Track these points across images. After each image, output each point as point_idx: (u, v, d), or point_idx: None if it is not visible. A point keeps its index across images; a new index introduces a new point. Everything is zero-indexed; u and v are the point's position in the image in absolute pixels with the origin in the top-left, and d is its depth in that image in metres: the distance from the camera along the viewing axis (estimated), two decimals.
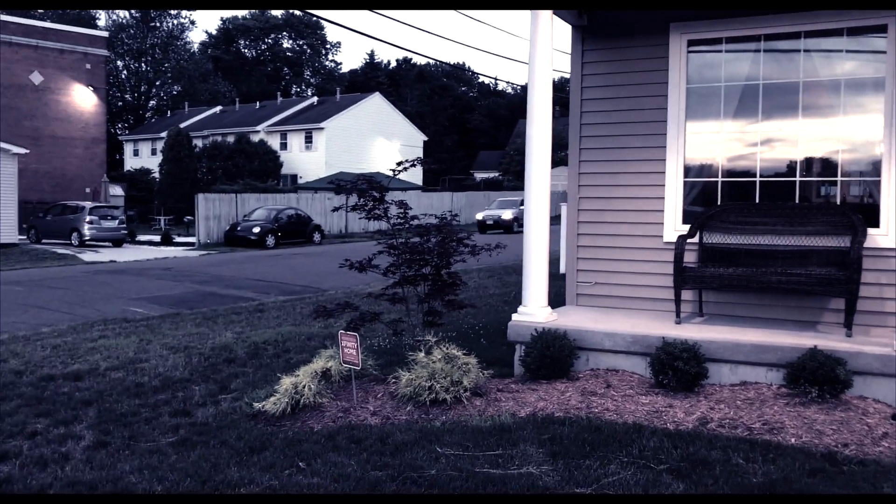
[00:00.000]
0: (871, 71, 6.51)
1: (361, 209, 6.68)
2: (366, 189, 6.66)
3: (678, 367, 5.54)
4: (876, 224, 6.45)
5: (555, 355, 5.96)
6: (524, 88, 6.62)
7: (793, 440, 4.69)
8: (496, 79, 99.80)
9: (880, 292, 6.33)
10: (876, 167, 6.50)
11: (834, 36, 6.63)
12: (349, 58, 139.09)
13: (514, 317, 6.61)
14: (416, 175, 52.08)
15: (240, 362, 7.70)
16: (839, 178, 6.70)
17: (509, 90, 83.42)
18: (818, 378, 5.22)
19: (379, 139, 54.69)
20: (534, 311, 6.53)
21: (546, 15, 6.49)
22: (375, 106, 56.13)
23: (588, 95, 7.49)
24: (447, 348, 5.90)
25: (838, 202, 6.70)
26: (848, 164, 6.67)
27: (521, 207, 35.62)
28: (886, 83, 6.39)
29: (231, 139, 50.02)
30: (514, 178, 52.54)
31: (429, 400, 5.54)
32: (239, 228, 28.44)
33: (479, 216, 36.11)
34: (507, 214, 35.07)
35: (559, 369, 6.01)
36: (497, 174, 61.23)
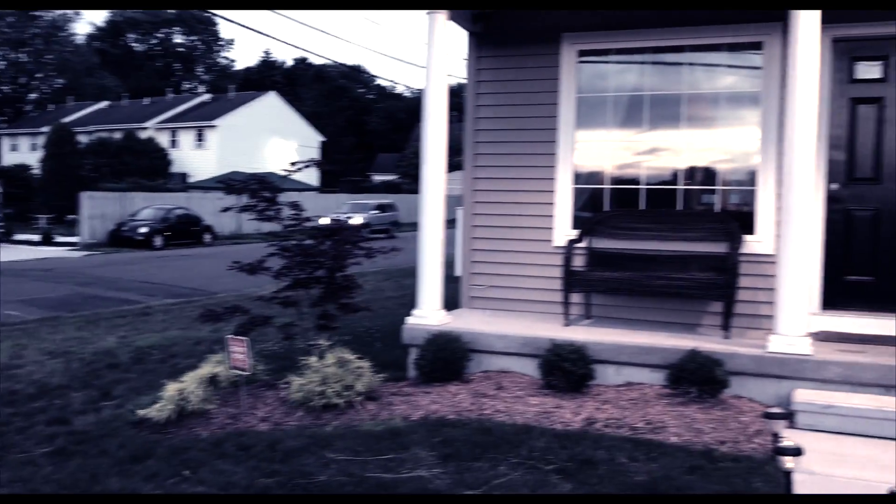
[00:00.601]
0: (748, 85, 6.85)
1: (252, 210, 6.54)
2: (257, 189, 6.52)
3: (566, 369, 5.67)
4: (752, 231, 6.78)
5: (448, 358, 5.99)
6: (422, 92, 6.65)
7: (674, 438, 4.88)
8: (394, 82, 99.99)
9: (755, 296, 6.66)
10: (752, 177, 6.84)
11: (715, 51, 6.94)
12: (244, 55, 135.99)
13: (409, 320, 6.62)
14: (312, 176, 51.47)
15: (123, 368, 7.40)
16: (718, 187, 7.02)
17: (408, 94, 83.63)
18: (697, 378, 5.44)
19: (274, 139, 53.76)
20: (428, 314, 6.55)
21: (442, 20, 6.53)
22: (271, 105, 55.15)
23: (483, 102, 7.59)
24: (341, 352, 5.84)
25: (718, 210, 7.01)
26: (727, 173, 6.99)
27: (374, 212, 34.42)
28: (762, 97, 6.74)
29: (118, 136, 48.08)
30: (412, 181, 52.64)
31: (320, 405, 5.47)
32: (125, 228, 27.36)
33: (326, 220, 33.56)
34: (357, 219, 30.79)
35: (452, 372, 6.04)
36: (395, 177, 61.25)
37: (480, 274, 7.61)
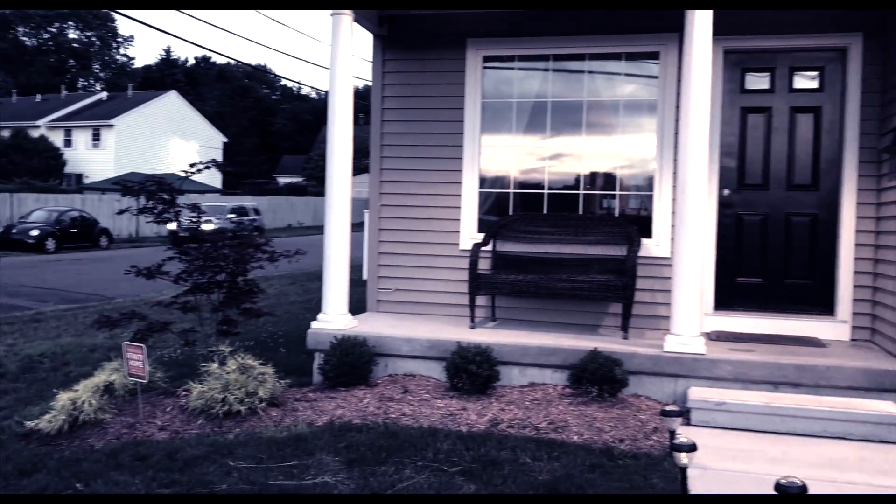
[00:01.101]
0: (647, 94, 7.08)
1: (150, 212, 6.34)
2: (155, 191, 6.32)
3: (471, 371, 5.72)
4: (650, 235, 7.01)
5: (354, 362, 5.95)
6: (328, 94, 6.58)
7: (576, 438, 4.98)
8: (300, 83, 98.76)
9: (653, 297, 6.89)
10: (650, 183, 7.06)
11: (615, 60, 7.15)
12: (143, 53, 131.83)
13: (314, 324, 6.54)
14: (215, 178, 50.23)
15: (11, 377, 7.03)
16: (618, 192, 7.22)
17: (313, 95, 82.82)
18: (598, 378, 5.58)
19: (175, 139, 52.23)
20: (334, 318, 6.49)
21: (347, 22, 6.49)
22: (172, 104, 53.54)
23: (389, 105, 7.58)
24: (243, 358, 5.72)
25: (617, 214, 7.21)
26: (627, 179, 7.20)
27: (231, 216, 31.49)
28: (659, 106, 6.97)
29: (6, 134, 45.74)
30: (318, 183, 52.10)
31: (222, 412, 5.34)
32: (14, 231, 26.00)
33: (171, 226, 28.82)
34: (208, 226, 28.54)
35: (358, 376, 6.01)
36: (301, 179, 60.48)
37: (387, 277, 7.60)
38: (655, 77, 7.02)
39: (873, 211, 6.53)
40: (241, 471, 4.39)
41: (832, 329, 6.64)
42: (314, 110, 78.14)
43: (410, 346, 6.30)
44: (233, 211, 33.28)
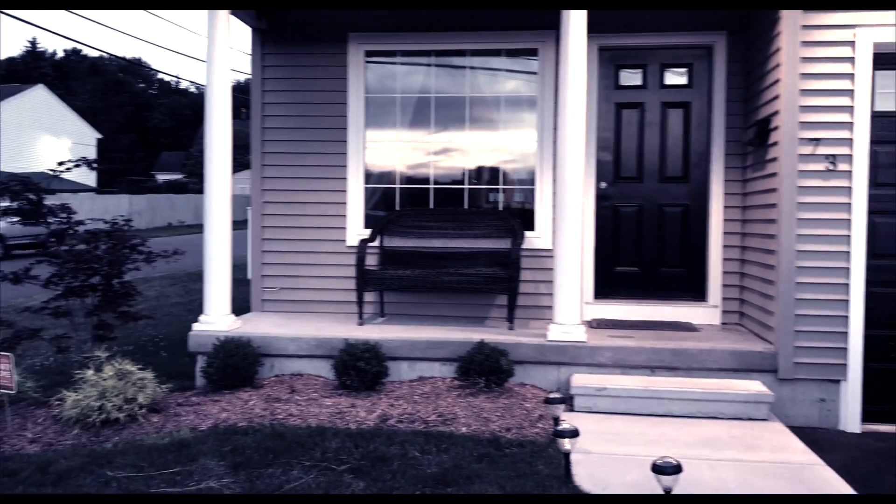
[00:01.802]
0: (527, 90, 7.23)
1: (14, 213, 5.99)
2: (20, 190, 5.98)
3: (360, 368, 5.70)
4: (532, 228, 7.17)
5: (238, 364, 5.82)
6: (206, 89, 6.37)
7: (464, 429, 5.04)
8: (178, 77, 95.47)
9: (537, 288, 7.05)
10: (532, 177, 7.22)
11: (496, 56, 7.25)
12: (6, 44, 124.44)
13: (196, 326, 6.35)
14: (90, 177, 47.90)
15: None
16: (502, 186, 7.34)
17: (193, 89, 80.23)
18: (485, 369, 5.67)
19: (45, 136, 49.48)
20: (216, 319, 6.33)
21: (224, 16, 6.32)
22: (39, 99, 50.59)
23: (269, 99, 7.43)
24: (121, 364, 5.49)
25: (502, 208, 7.34)
26: (510, 173, 7.33)
27: (13, 220, 28.53)
28: (538, 101, 7.13)
29: None
30: (198, 180, 50.48)
31: (99, 421, 5.11)
32: None
33: None
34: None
35: (243, 378, 5.88)
36: (181, 176, 58.51)
37: (272, 276, 7.46)
38: (535, 73, 7.18)
39: (740, 201, 6.90)
40: (121, 480, 4.22)
41: (705, 314, 6.98)
42: (194, 105, 75.70)
43: (297, 345, 6.21)
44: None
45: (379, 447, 4.62)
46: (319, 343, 6.18)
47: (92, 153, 49.95)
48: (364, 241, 6.72)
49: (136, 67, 77.28)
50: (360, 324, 6.65)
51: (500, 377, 5.71)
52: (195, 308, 11.18)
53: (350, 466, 4.32)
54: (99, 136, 55.05)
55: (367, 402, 5.54)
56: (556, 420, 4.75)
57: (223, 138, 6.33)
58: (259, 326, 6.55)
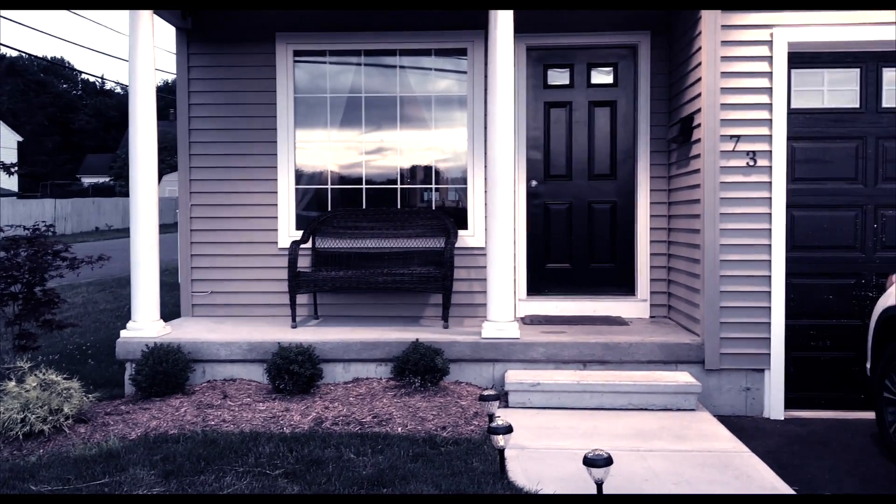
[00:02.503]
0: (458, 89, 7.27)
1: None
2: None
3: (294, 371, 5.64)
4: (466, 226, 7.21)
5: (168, 370, 5.70)
6: (129, 90, 6.20)
7: (400, 429, 5.04)
8: (102, 77, 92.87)
9: (471, 286, 7.10)
10: (465, 176, 7.26)
11: (425, 55, 7.27)
12: None
13: (124, 333, 6.20)
14: (10, 180, 46.25)
15: None
16: (434, 186, 7.36)
17: (118, 90, 78.19)
18: (420, 369, 5.68)
19: None
20: (144, 325, 6.19)
21: (146, 15, 6.17)
22: None
23: (196, 100, 7.30)
24: (45, 374, 5.31)
25: (435, 207, 7.36)
26: (443, 172, 7.36)
27: None
28: (469, 101, 7.17)
29: None
30: (126, 182, 49.13)
31: (22, 434, 4.95)
32: None
33: None
34: None
35: (174, 385, 5.76)
36: (108, 179, 56.97)
37: (203, 280, 7.33)
38: (465, 73, 7.22)
39: (666, 197, 7.06)
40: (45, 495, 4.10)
41: (634, 308, 7.12)
42: (120, 106, 73.72)
43: (229, 349, 6.12)
44: None
45: (314, 450, 4.58)
46: (252, 347, 6.10)
47: (12, 157, 48.26)
48: (296, 243, 6.65)
49: (58, 68, 74.96)
50: (294, 326, 6.59)
51: (436, 376, 5.73)
52: (124, 314, 10.92)
53: (284, 471, 4.28)
54: (19, 138, 53.24)
55: (301, 406, 5.50)
56: (491, 417, 4.79)
57: (148, 140, 6.20)
58: (190, 331, 6.43)
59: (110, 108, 75.05)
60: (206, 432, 4.98)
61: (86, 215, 39.02)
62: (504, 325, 6.04)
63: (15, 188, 46.78)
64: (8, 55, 74.21)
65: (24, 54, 74.92)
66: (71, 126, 72.88)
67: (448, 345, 6.00)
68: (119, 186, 50.56)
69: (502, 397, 5.75)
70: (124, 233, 34.52)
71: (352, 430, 5.05)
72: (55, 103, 72.83)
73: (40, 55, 71.34)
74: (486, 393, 4.96)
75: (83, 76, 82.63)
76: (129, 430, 5.13)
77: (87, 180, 61.07)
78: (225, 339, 6.16)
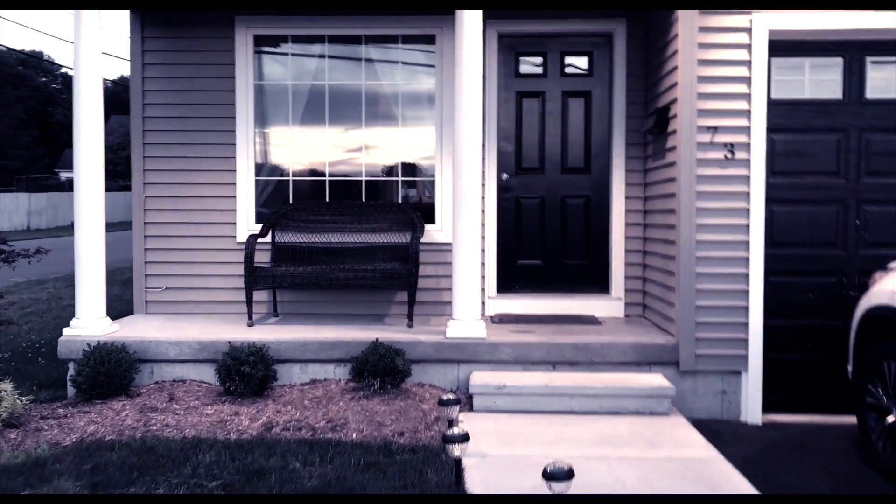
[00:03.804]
0: (426, 78, 6.95)
1: None
2: None
3: (245, 372, 5.31)
4: (433, 221, 6.90)
5: (111, 371, 5.35)
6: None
7: (354, 435, 4.73)
8: None
9: (438, 283, 6.79)
10: (433, 169, 6.94)
11: (393, 43, 6.95)
12: None
13: (66, 331, 5.85)
14: None
15: None
16: (400, 178, 7.04)
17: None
18: (380, 370, 5.36)
19: None
20: (88, 323, 5.83)
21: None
22: None
23: (151, 87, 6.94)
24: None
25: (401, 201, 7.04)
26: (410, 165, 7.04)
27: None
28: (437, 90, 6.86)
29: None
30: (105, 176, 48.57)
31: None
32: None
33: None
34: None
35: (117, 386, 5.41)
36: None
37: (157, 275, 6.98)
38: (433, 66, 6.90)
39: (641, 191, 6.78)
40: None
41: (608, 306, 6.84)
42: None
43: (179, 349, 5.78)
44: None
45: (258, 459, 4.26)
46: (203, 346, 5.76)
47: None
48: (253, 237, 6.31)
49: (37, 61, 73.85)
50: (251, 324, 6.25)
51: (396, 378, 5.42)
52: None
53: (222, 482, 3.95)
54: None
55: (252, 409, 5.17)
56: (451, 423, 4.49)
57: (91, 129, 5.84)
58: (139, 330, 6.08)
59: None
60: (145, 439, 4.65)
61: (62, 209, 38.37)
62: (470, 324, 5.73)
63: None
64: None
65: (1, 47, 73.85)
66: (49, 120, 71.78)
67: (411, 345, 5.69)
68: None
69: (467, 400, 5.45)
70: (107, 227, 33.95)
71: (303, 436, 4.72)
72: (34, 97, 71.71)
73: (18, 48, 70.30)
74: (445, 397, 4.65)
75: (63, 70, 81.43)
76: (64, 435, 4.78)
77: (66, 175, 60.16)
78: (174, 338, 5.81)
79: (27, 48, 75.55)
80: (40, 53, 76.85)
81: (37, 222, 35.37)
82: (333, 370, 5.78)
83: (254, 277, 6.16)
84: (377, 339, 5.59)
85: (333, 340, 5.76)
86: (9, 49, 69.86)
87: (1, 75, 69.68)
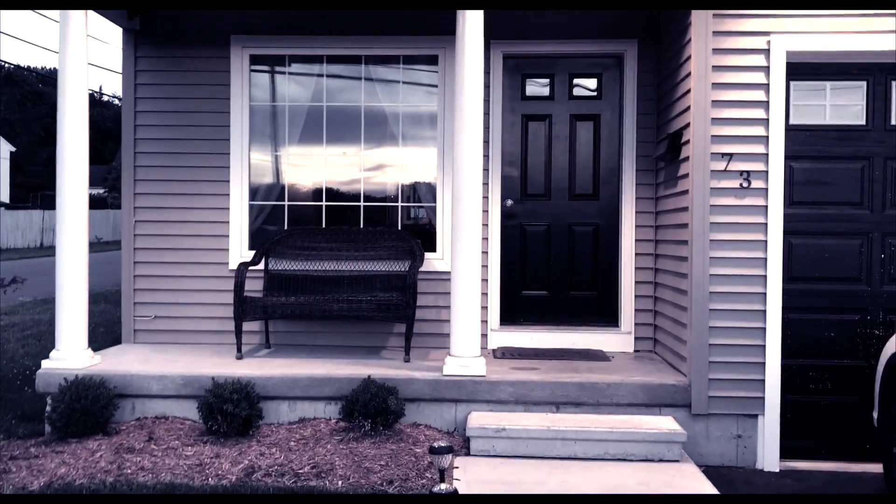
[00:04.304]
0: (428, 100, 6.68)
1: None
2: None
3: (227, 412, 5.01)
4: (434, 248, 6.60)
5: (88, 408, 5.07)
6: (58, 94, 5.62)
7: (340, 482, 4.41)
8: (100, 89, 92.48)
9: (439, 315, 6.48)
10: (434, 193, 6.66)
11: (393, 63, 6.68)
12: None
13: (45, 363, 5.57)
14: (3, 192, 45.72)
15: None
16: (401, 204, 6.76)
17: (116, 102, 77.74)
18: (370, 410, 5.04)
19: None
20: (68, 355, 5.56)
21: (78, 17, 5.57)
22: None
23: (143, 107, 6.71)
24: None
25: (401, 227, 6.75)
26: (410, 189, 6.76)
27: None
28: (439, 112, 6.58)
29: None
30: (119, 195, 48.69)
31: None
32: None
33: None
34: None
35: (94, 424, 5.12)
36: (102, 190, 56.39)
37: (146, 303, 6.71)
38: (436, 86, 6.63)
39: (652, 220, 6.46)
40: None
41: (617, 341, 6.50)
42: (116, 117, 73.08)
43: (162, 384, 5.49)
44: None
45: None
46: (187, 381, 5.47)
47: (5, 167, 47.83)
48: (244, 265, 6.04)
49: (55, 80, 74.56)
50: (239, 357, 5.96)
51: (389, 419, 5.10)
52: (92, 334, 10.31)
53: None
54: (12, 148, 52.79)
55: (234, 452, 4.86)
56: (442, 473, 4.15)
57: (75, 148, 5.59)
58: (121, 362, 5.80)
59: (107, 119, 74.45)
60: (116, 484, 4.34)
61: None
62: (469, 360, 5.41)
63: (5, 198, 46.26)
64: (6, 66, 73.91)
65: (22, 64, 74.62)
66: None
67: (405, 382, 5.37)
68: (111, 199, 50.02)
69: (464, 443, 5.12)
70: (113, 245, 33.85)
71: (284, 483, 4.41)
72: (51, 114, 72.34)
73: (38, 66, 70.98)
74: (437, 444, 4.30)
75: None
76: (32, 478, 4.49)
77: None
78: (158, 372, 5.52)
79: (47, 66, 76.20)
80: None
81: (49, 239, 35.36)
82: (324, 408, 5.47)
83: (243, 308, 5.88)
84: (369, 377, 5.28)
85: (324, 377, 5.45)
86: (28, 67, 70.66)
87: (21, 93, 70.40)
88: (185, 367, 5.67)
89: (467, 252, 5.39)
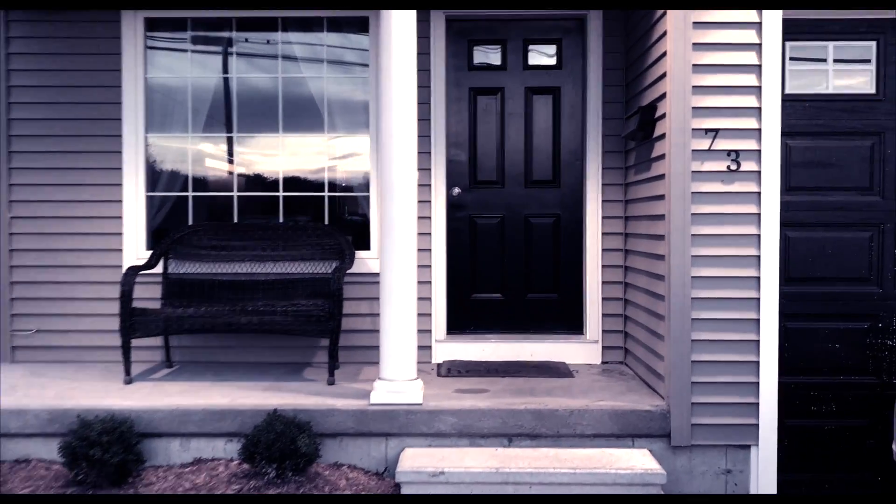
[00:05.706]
0: (360, 73, 5.68)
1: None
2: None
3: (95, 458, 3.98)
4: (368, 246, 5.62)
5: None
6: None
7: None
8: None
9: (374, 323, 5.48)
10: (367, 182, 5.67)
11: (316, 29, 5.67)
12: None
13: None
14: None
15: None
16: (328, 194, 5.75)
17: None
18: (275, 453, 4.04)
19: None
20: None
21: None
22: None
23: (18, 81, 5.62)
24: None
25: (329, 221, 5.75)
26: (339, 177, 5.77)
27: None
28: (372, 87, 5.58)
29: None
30: None
31: None
32: None
33: None
34: None
35: None
36: None
37: (27, 315, 5.65)
38: (366, 50, 5.62)
39: (621, 210, 5.53)
40: None
41: (582, 351, 5.58)
42: None
43: (22, 420, 4.43)
44: None
45: None
46: (54, 416, 4.42)
47: None
48: (133, 269, 4.99)
49: None
50: (128, 381, 4.92)
51: (299, 462, 4.09)
52: None
53: None
54: None
55: None
56: None
57: None
58: None
59: None
60: None
61: None
62: (402, 385, 4.43)
63: None
64: None
65: None
66: None
67: (323, 414, 4.38)
68: None
69: (395, 488, 4.15)
70: None
71: None
72: None
73: None
74: None
75: None
76: None
77: None
78: (18, 406, 4.47)
79: None
80: None
81: None
82: (223, 446, 4.45)
83: (132, 323, 4.84)
84: (275, 410, 4.28)
85: (223, 409, 4.43)
86: None
87: None
88: (55, 396, 4.62)
89: (399, 252, 4.40)
